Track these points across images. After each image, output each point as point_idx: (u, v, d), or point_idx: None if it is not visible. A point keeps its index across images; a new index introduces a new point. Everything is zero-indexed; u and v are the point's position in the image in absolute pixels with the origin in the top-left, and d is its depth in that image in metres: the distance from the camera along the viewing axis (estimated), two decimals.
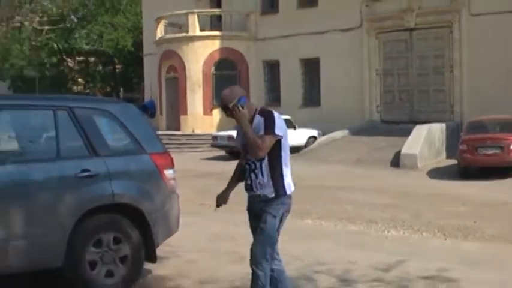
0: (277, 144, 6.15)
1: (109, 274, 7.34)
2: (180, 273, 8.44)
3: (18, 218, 6.96)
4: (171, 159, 8.16)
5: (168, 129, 39.29)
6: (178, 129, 38.27)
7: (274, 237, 6.23)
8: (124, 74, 60.95)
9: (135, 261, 7.56)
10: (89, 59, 65.14)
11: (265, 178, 6.18)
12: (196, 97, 37.97)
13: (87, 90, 63.40)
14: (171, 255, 9.25)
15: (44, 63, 58.32)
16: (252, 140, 6.06)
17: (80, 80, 65.78)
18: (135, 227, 7.57)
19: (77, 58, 65.28)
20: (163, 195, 7.90)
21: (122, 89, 63.55)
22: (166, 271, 8.51)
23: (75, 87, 64.64)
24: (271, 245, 6.23)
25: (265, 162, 6.17)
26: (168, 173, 7.98)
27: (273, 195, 6.18)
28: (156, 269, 8.43)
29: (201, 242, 10.39)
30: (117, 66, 62.58)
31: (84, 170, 7.24)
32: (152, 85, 43.87)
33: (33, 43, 51.38)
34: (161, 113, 41.40)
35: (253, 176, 6.24)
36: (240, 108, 6.15)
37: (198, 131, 36.74)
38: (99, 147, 7.48)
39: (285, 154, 6.25)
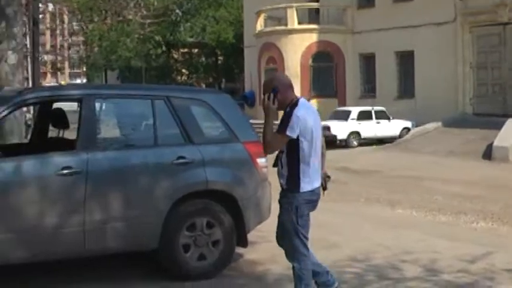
0: (295, 142, 6.11)
1: (202, 257, 7.61)
2: (270, 258, 8.59)
3: (117, 201, 7.32)
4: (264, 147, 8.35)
5: None
6: (277, 119, 38.38)
7: (292, 230, 6.29)
8: (225, 65, 61.72)
9: (227, 245, 7.81)
10: (192, 50, 66.30)
11: (284, 170, 6.25)
12: (294, 88, 38.16)
13: (191, 81, 64.43)
14: (262, 240, 9.43)
15: (150, 55, 59.66)
16: (263, 136, 6.22)
17: (184, 70, 66.98)
18: (228, 213, 7.82)
19: (181, 50, 66.50)
20: (256, 182, 8.10)
21: (223, 80, 64.34)
22: (257, 256, 8.71)
23: (179, 78, 65.84)
24: (296, 236, 6.30)
25: (284, 156, 6.24)
26: (261, 161, 8.14)
27: (286, 187, 6.24)
28: (247, 254, 8.65)
29: None
30: (219, 58, 63.37)
31: (180, 157, 7.53)
32: (252, 76, 44.34)
33: (139, 36, 52.54)
34: (260, 103, 41.71)
35: (279, 164, 6.31)
36: (270, 99, 6.22)
37: None
38: (194, 136, 7.75)
39: (305, 153, 6.13)
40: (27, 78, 20.36)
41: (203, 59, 66.59)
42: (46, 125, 9.16)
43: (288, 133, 6.06)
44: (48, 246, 7.09)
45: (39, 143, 8.77)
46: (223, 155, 7.94)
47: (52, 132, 9.31)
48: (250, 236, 8.40)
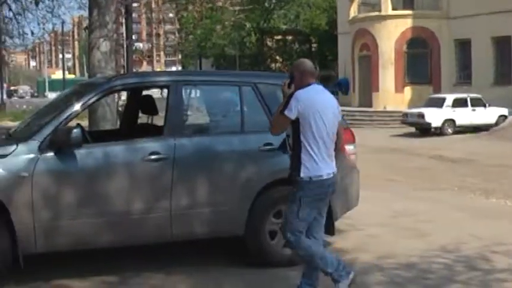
0: (296, 125, 6.14)
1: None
2: (359, 246, 8.52)
3: (204, 187, 7.34)
4: (353, 134, 8.25)
5: (361, 105, 39.54)
6: (370, 106, 38.37)
7: (292, 219, 6.19)
8: (319, 52, 61.43)
9: None
10: (286, 37, 66.17)
11: (291, 154, 6.37)
12: (388, 74, 37.93)
13: (286, 68, 64.45)
14: (351, 228, 9.37)
15: (243, 42, 59.98)
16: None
17: (277, 58, 67.01)
18: None
19: (275, 37, 66.51)
20: (344, 169, 7.94)
21: (317, 67, 64.07)
22: (346, 244, 8.61)
23: (273, 65, 65.95)
24: (291, 224, 6.21)
25: (290, 140, 6.33)
26: (349, 148, 8.06)
27: (290, 171, 6.31)
28: (335, 242, 8.52)
29: (382, 217, 10.40)
30: (313, 45, 63.14)
31: (266, 144, 7.46)
32: (346, 63, 44.12)
33: (232, 23, 52.84)
34: (354, 90, 41.61)
35: (288, 148, 6.44)
36: (285, 84, 6.31)
37: (389, 108, 36.61)
38: None
39: (307, 136, 6.11)
40: (123, 66, 20.74)
41: (297, 46, 66.48)
42: (135, 111, 9.27)
43: (285, 113, 6.12)
44: (136, 231, 7.18)
45: (129, 129, 8.89)
46: None
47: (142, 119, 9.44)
48: (339, 224, 8.32)
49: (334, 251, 8.25)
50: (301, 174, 6.14)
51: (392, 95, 37.95)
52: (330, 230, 7.84)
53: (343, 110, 7.03)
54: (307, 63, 6.55)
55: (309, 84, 6.26)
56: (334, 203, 7.74)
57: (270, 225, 7.47)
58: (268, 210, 7.45)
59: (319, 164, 6.14)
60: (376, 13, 39.02)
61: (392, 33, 37.96)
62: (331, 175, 6.24)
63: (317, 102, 6.17)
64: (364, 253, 8.24)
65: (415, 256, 8.06)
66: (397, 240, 8.97)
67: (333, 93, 7.14)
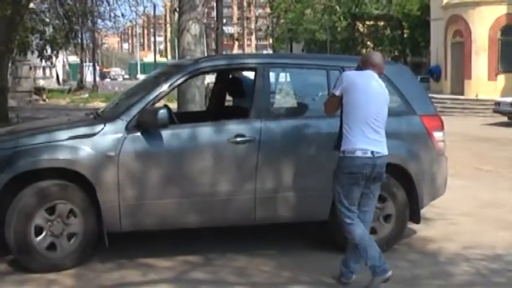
0: (341, 103, 6.43)
1: (372, 231, 7.43)
2: (444, 236, 8.37)
3: (289, 171, 7.30)
4: (442, 121, 8.08)
5: (452, 93, 38.88)
6: (462, 94, 37.68)
7: (337, 200, 6.45)
8: (411, 38, 60.63)
9: (399, 220, 7.62)
10: (378, 23, 65.55)
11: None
12: (481, 62, 37.11)
13: None
14: (438, 217, 9.21)
15: (335, 27, 59.67)
16: None
17: (369, 43, 66.49)
18: (401, 187, 7.62)
19: (367, 22, 65.98)
20: (431, 157, 7.85)
21: (409, 53, 63.27)
22: (431, 233, 8.47)
23: (364, 51, 65.47)
24: (338, 204, 6.45)
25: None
26: (438, 135, 7.91)
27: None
28: (420, 230, 8.43)
29: (470, 207, 10.19)
30: (405, 31, 62.34)
31: None
32: (438, 49, 43.36)
33: (323, 7, 52.56)
34: (445, 77, 40.91)
35: None
36: None
37: (481, 96, 35.87)
38: None
39: (347, 112, 6.35)
40: (215, 50, 20.86)
41: (389, 31, 65.74)
42: (223, 93, 9.31)
43: (333, 91, 6.56)
44: (220, 212, 7.22)
45: (215, 111, 8.93)
46: (399, 127, 7.69)
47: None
48: (425, 212, 8.20)
49: (419, 239, 8.18)
50: (341, 149, 6.39)
51: (485, 83, 37.13)
52: (415, 217, 7.77)
53: (433, 98, 6.91)
54: (374, 55, 6.74)
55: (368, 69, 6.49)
56: (421, 191, 7.66)
57: None
58: None
59: (356, 141, 6.29)
60: None
61: (486, 19, 37.03)
62: (370, 155, 6.28)
63: (360, 82, 6.36)
64: (450, 242, 8.10)
65: (500, 247, 7.88)
66: (484, 230, 8.77)
67: (423, 80, 7.02)
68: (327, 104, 6.71)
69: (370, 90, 6.34)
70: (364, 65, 6.54)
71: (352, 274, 6.57)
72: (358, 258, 6.50)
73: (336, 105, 6.54)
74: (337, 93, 6.40)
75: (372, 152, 6.27)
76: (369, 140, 6.29)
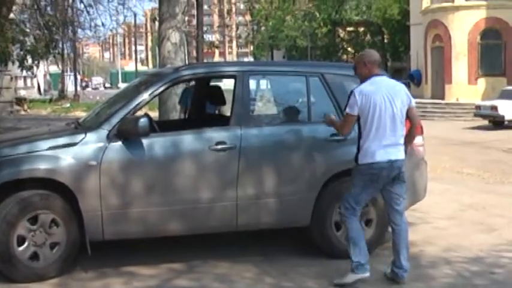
0: (358, 118, 6.52)
1: None
2: (425, 239, 8.41)
3: (270, 177, 7.32)
4: (421, 126, 8.13)
5: (433, 97, 39.18)
6: (443, 98, 37.94)
7: (347, 197, 6.64)
8: (391, 43, 60.92)
9: (380, 225, 7.67)
10: (358, 29, 65.84)
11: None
12: (461, 66, 37.38)
13: None
14: (419, 221, 9.26)
15: (315, 34, 59.86)
16: None
17: (349, 49, 66.72)
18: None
19: (347, 28, 66.24)
20: (412, 161, 7.87)
21: (389, 59, 63.55)
22: (412, 237, 8.33)
23: (344, 57, 65.72)
24: (346, 202, 6.64)
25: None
26: (417, 139, 7.96)
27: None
28: None
29: (451, 210, 10.26)
30: (385, 37, 62.64)
31: (334, 134, 7.34)
32: (418, 54, 43.64)
33: (303, 13, 52.74)
34: (426, 82, 41.19)
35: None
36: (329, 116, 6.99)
37: (462, 100, 36.14)
38: None
39: (364, 128, 6.49)
40: (196, 58, 20.86)
41: (369, 37, 66.00)
42: (203, 101, 9.34)
43: (347, 110, 6.58)
44: (202, 220, 7.23)
45: (196, 119, 8.95)
46: None
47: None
48: (407, 216, 8.16)
49: None
50: (359, 162, 6.58)
51: (465, 87, 37.36)
52: None
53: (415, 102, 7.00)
54: (371, 53, 6.81)
55: (372, 75, 6.57)
56: None
57: (336, 216, 7.40)
58: (334, 201, 7.37)
59: (372, 150, 6.47)
60: (449, 4, 38.38)
61: (465, 24, 37.28)
62: (386, 161, 6.47)
63: (375, 94, 6.45)
64: (432, 246, 8.16)
65: (483, 250, 7.95)
66: (465, 233, 8.83)
67: (405, 84, 7.12)
68: (344, 125, 6.73)
69: (385, 100, 6.46)
70: (360, 65, 6.67)
71: (407, 273, 6.73)
72: (408, 255, 6.74)
73: (353, 124, 6.64)
74: (355, 113, 6.49)
75: (389, 161, 6.48)
76: (386, 150, 6.48)
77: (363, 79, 6.63)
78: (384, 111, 6.43)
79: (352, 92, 6.56)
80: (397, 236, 6.75)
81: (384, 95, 6.46)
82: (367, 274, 6.60)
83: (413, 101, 6.75)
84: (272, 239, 8.17)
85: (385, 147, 6.45)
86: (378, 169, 6.46)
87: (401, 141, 6.61)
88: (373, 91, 6.46)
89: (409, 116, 6.69)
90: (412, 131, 6.82)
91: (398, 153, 6.55)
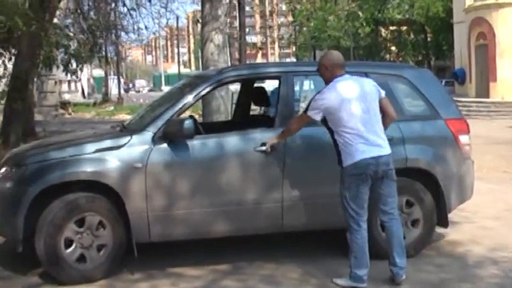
0: (326, 123, 6.56)
1: None
2: (472, 239, 8.34)
3: (315, 178, 7.33)
4: (467, 124, 8.06)
5: (477, 96, 38.67)
6: (487, 97, 37.46)
7: (342, 203, 6.58)
8: (435, 42, 60.42)
9: (427, 225, 7.62)
10: (401, 28, 65.39)
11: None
12: (506, 64, 36.92)
13: (400, 59, 63.74)
14: (465, 221, 9.17)
15: (358, 34, 59.61)
16: None
17: (392, 48, 66.33)
18: (428, 192, 7.61)
19: (390, 27, 65.84)
20: (458, 161, 7.84)
21: (432, 57, 63.05)
22: (459, 236, 8.45)
23: (387, 56, 65.32)
24: (345, 209, 6.57)
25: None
26: (463, 138, 7.89)
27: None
28: (448, 234, 8.41)
29: (497, 210, 10.14)
30: (428, 35, 62.14)
31: None
32: (462, 53, 43.20)
33: (346, 12, 52.57)
34: (470, 81, 40.71)
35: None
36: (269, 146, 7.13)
37: (507, 98, 35.62)
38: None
39: (337, 131, 6.48)
40: (238, 59, 20.91)
41: (412, 36, 65.52)
42: (248, 102, 9.35)
43: (308, 113, 6.59)
44: (247, 221, 7.26)
45: (240, 121, 8.97)
46: (424, 132, 7.73)
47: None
48: (452, 216, 8.17)
49: (447, 243, 8.16)
50: (343, 165, 6.53)
51: (511, 85, 36.89)
52: (443, 221, 7.77)
53: (458, 101, 6.94)
54: (332, 54, 6.85)
55: (334, 77, 6.58)
56: (448, 195, 7.65)
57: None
58: (379, 202, 7.32)
59: (354, 155, 6.41)
60: (493, 1, 38.00)
61: (509, 21, 36.85)
62: (370, 157, 6.41)
63: (339, 96, 6.44)
64: (478, 246, 8.08)
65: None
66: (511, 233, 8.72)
67: (447, 83, 7.05)
68: (298, 122, 6.89)
69: (351, 99, 6.45)
70: (322, 68, 6.71)
71: (403, 270, 6.67)
72: (403, 252, 6.67)
73: (301, 123, 6.83)
74: (318, 117, 6.56)
75: (373, 158, 6.42)
76: (367, 147, 6.43)
77: (326, 82, 6.66)
78: (353, 110, 6.41)
79: (314, 96, 6.61)
80: (388, 232, 6.70)
81: (346, 94, 6.45)
82: (364, 285, 6.59)
83: (383, 92, 6.71)
84: (317, 240, 8.14)
85: (365, 145, 6.40)
86: (363, 167, 6.40)
87: (382, 136, 6.55)
88: (334, 93, 6.46)
89: (381, 108, 6.64)
90: (385, 122, 6.73)
91: (381, 149, 6.48)
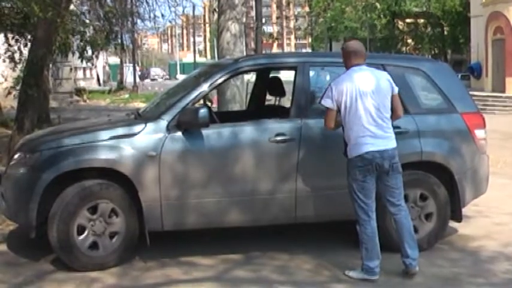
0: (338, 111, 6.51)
1: (413, 230, 7.38)
2: (486, 234, 8.29)
3: (329, 170, 7.29)
4: (483, 119, 8.01)
5: (493, 91, 38.46)
6: (503, 91, 37.21)
7: (350, 194, 6.61)
8: (451, 35, 60.06)
9: (441, 218, 7.58)
10: (417, 20, 65.07)
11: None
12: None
13: (416, 52, 63.47)
14: (479, 215, 9.12)
15: (374, 25, 59.38)
16: None
17: (409, 41, 66.02)
18: (443, 185, 7.57)
19: (406, 20, 65.55)
20: (473, 155, 7.79)
21: (449, 51, 62.74)
22: (472, 231, 8.40)
23: (404, 49, 65.00)
24: (353, 200, 6.59)
25: None
26: (479, 133, 7.84)
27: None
28: (461, 228, 8.35)
29: None
30: (445, 28, 61.80)
31: (394, 127, 7.17)
32: (479, 47, 42.92)
33: (363, 4, 52.35)
34: (486, 75, 40.48)
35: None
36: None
37: None
38: (409, 105, 7.48)
39: (347, 119, 6.47)
40: (254, 49, 20.83)
41: (429, 29, 65.21)
42: (263, 92, 9.32)
43: (322, 102, 6.59)
44: (261, 211, 7.24)
45: (255, 111, 8.95)
46: (440, 125, 7.68)
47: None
48: (466, 211, 8.13)
49: (460, 237, 8.12)
50: (349, 156, 6.58)
51: None
52: (457, 216, 7.74)
53: (474, 95, 6.88)
54: (353, 43, 6.87)
55: (351, 66, 6.60)
56: (462, 189, 7.62)
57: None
58: None
59: (359, 148, 6.45)
60: None
61: None
62: (375, 150, 6.43)
63: (351, 85, 6.44)
64: (491, 241, 8.04)
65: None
66: None
67: (464, 77, 7.00)
68: (325, 118, 6.71)
69: (362, 91, 6.44)
70: (345, 56, 6.70)
71: (416, 262, 6.66)
72: (414, 243, 6.66)
73: (334, 117, 6.63)
74: (330, 105, 6.53)
75: (378, 151, 6.44)
76: (373, 141, 6.45)
77: (346, 69, 6.67)
78: (365, 101, 6.41)
79: (329, 84, 6.59)
80: (398, 224, 6.68)
81: (361, 85, 6.44)
82: (376, 277, 6.59)
83: (396, 88, 6.67)
84: (330, 232, 8.12)
85: (372, 138, 6.43)
86: (369, 159, 6.42)
87: (389, 130, 6.55)
88: (349, 83, 6.46)
89: (392, 105, 6.63)
90: (392, 118, 6.70)
91: (387, 143, 6.49)
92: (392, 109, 6.65)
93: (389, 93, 6.57)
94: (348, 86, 6.44)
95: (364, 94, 6.41)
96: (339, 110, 6.54)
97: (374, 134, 6.43)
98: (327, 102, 6.53)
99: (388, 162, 6.47)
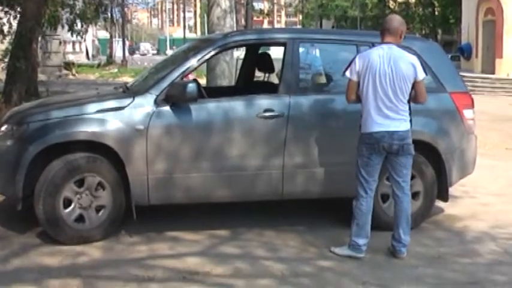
0: (358, 84, 6.48)
1: None
2: (471, 214, 8.32)
3: (317, 147, 7.26)
4: (472, 99, 8.01)
5: (483, 72, 38.56)
6: (493, 73, 37.33)
7: (355, 168, 6.62)
8: (442, 15, 60.11)
9: (427, 198, 7.60)
10: (409, 0, 65.06)
11: None
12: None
13: (407, 32, 63.40)
14: (466, 196, 9.15)
15: (366, 4, 59.38)
16: None
17: None
18: (430, 165, 7.57)
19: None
20: (461, 135, 7.79)
21: (439, 31, 62.75)
22: (458, 211, 8.43)
23: None
24: (356, 175, 6.62)
25: None
26: (467, 113, 7.83)
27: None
28: (448, 208, 8.40)
29: (499, 186, 10.10)
30: (436, 9, 61.81)
31: None
32: (469, 28, 42.94)
33: None
34: (476, 56, 40.52)
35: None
36: None
37: None
38: None
39: (364, 95, 6.45)
40: (244, 26, 20.78)
41: (420, 9, 65.16)
42: (252, 68, 9.28)
43: (346, 73, 6.57)
44: (247, 187, 7.22)
45: (245, 86, 8.91)
46: (428, 105, 7.58)
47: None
48: (453, 191, 8.16)
49: (446, 217, 8.14)
50: (361, 131, 6.57)
51: None
52: (443, 195, 7.74)
53: (464, 76, 6.85)
54: (389, 18, 6.77)
55: (381, 43, 6.54)
56: (450, 169, 7.61)
57: (383, 188, 7.31)
58: (381, 173, 7.25)
59: (370, 120, 6.44)
60: None
61: None
62: (385, 130, 6.40)
63: (376, 61, 6.38)
64: (477, 221, 8.06)
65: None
66: None
67: (454, 58, 6.98)
68: (346, 89, 6.65)
69: (386, 69, 6.37)
70: (380, 32, 6.64)
71: (405, 248, 6.68)
72: (408, 229, 6.67)
73: (354, 90, 6.57)
74: (352, 77, 6.50)
75: (388, 132, 6.40)
76: (384, 121, 6.41)
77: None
78: (383, 80, 6.36)
79: (354, 56, 6.59)
80: (398, 207, 6.67)
81: (386, 63, 6.37)
82: (362, 255, 6.61)
83: (422, 75, 6.53)
84: (317, 209, 8.13)
85: (384, 117, 6.40)
86: (377, 139, 6.41)
87: (404, 113, 6.48)
88: (374, 58, 6.41)
89: (415, 89, 6.55)
90: (416, 101, 6.70)
91: (398, 125, 6.43)
92: (415, 94, 6.59)
93: (410, 78, 6.44)
94: (370, 62, 6.40)
95: (383, 74, 6.36)
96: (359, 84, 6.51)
97: (386, 115, 6.39)
98: (349, 74, 6.51)
99: (398, 144, 6.43)
